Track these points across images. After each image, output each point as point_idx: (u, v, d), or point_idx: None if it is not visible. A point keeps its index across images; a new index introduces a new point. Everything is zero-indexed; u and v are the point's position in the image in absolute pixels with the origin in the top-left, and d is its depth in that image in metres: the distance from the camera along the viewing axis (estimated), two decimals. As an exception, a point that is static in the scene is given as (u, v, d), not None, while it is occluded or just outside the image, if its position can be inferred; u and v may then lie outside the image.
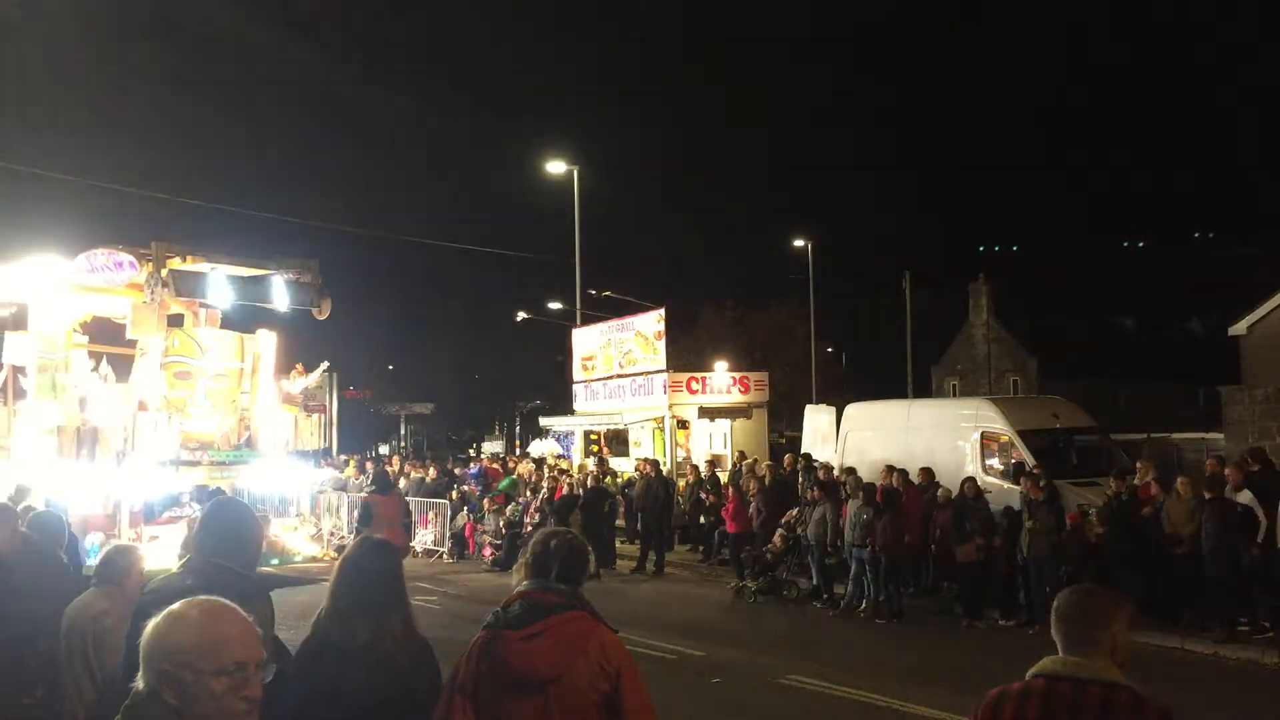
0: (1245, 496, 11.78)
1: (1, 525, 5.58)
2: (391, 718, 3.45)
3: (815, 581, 15.35)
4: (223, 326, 17.60)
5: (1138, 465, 14.43)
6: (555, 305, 40.83)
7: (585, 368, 27.16)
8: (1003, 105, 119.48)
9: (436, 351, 62.71)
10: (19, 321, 17.66)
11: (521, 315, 47.29)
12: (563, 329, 31.70)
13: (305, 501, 18.32)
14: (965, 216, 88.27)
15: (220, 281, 16.03)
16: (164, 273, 15.59)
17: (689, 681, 10.27)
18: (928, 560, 15.18)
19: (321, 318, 16.99)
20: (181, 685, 2.32)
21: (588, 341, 27.40)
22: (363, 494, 17.60)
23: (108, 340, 18.12)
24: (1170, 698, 3.21)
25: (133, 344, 16.55)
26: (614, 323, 26.88)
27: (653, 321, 24.98)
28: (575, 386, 27.48)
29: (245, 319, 17.67)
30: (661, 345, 24.38)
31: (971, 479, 14.38)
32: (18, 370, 17.27)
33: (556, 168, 30.95)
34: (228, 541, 3.99)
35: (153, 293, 15.53)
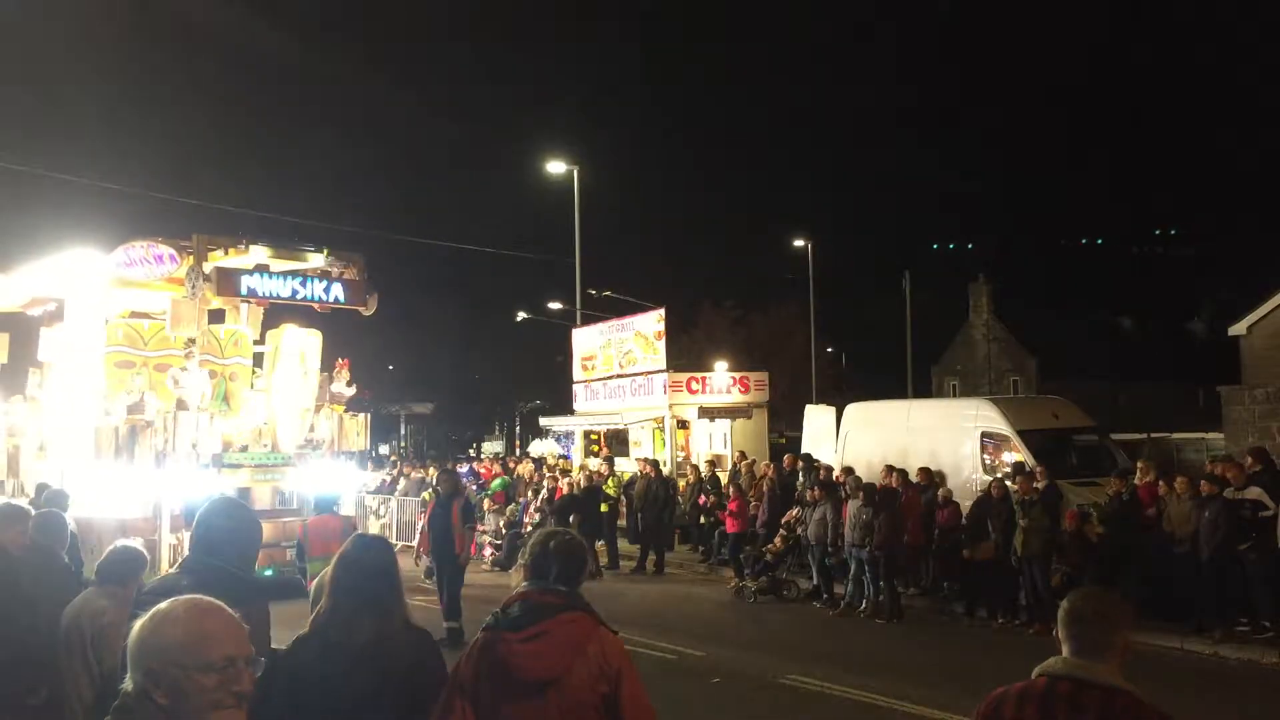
0: (1253, 492, 11.76)
1: (11, 526, 5.57)
2: (394, 715, 3.44)
3: (815, 581, 15.36)
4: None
5: (1139, 465, 14.41)
6: (555, 305, 40.81)
7: (585, 368, 27.17)
8: (1003, 104, 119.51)
9: (436, 351, 62.69)
10: (54, 319, 17.35)
11: (521, 315, 47.29)
12: (563, 329, 31.70)
13: (351, 505, 17.27)
14: (965, 216, 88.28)
15: (263, 276, 15.48)
16: (205, 267, 15.05)
17: (689, 681, 10.27)
18: (927, 560, 15.18)
19: (368, 314, 16.45)
20: (171, 683, 2.32)
21: (588, 341, 27.40)
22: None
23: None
24: (1170, 698, 3.21)
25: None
26: (614, 323, 26.89)
27: (653, 321, 24.99)
28: (575, 386, 27.48)
29: (287, 313, 17.01)
30: (661, 345, 24.38)
31: (1000, 480, 14.35)
32: (52, 366, 16.91)
33: (556, 168, 30.96)
34: (223, 541, 3.99)
35: (194, 287, 14.95)
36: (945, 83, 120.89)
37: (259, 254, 15.53)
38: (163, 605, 2.44)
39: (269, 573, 14.26)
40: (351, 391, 17.40)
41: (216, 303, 16.02)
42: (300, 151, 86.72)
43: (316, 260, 16.12)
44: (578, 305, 30.75)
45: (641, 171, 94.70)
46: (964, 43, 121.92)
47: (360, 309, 16.38)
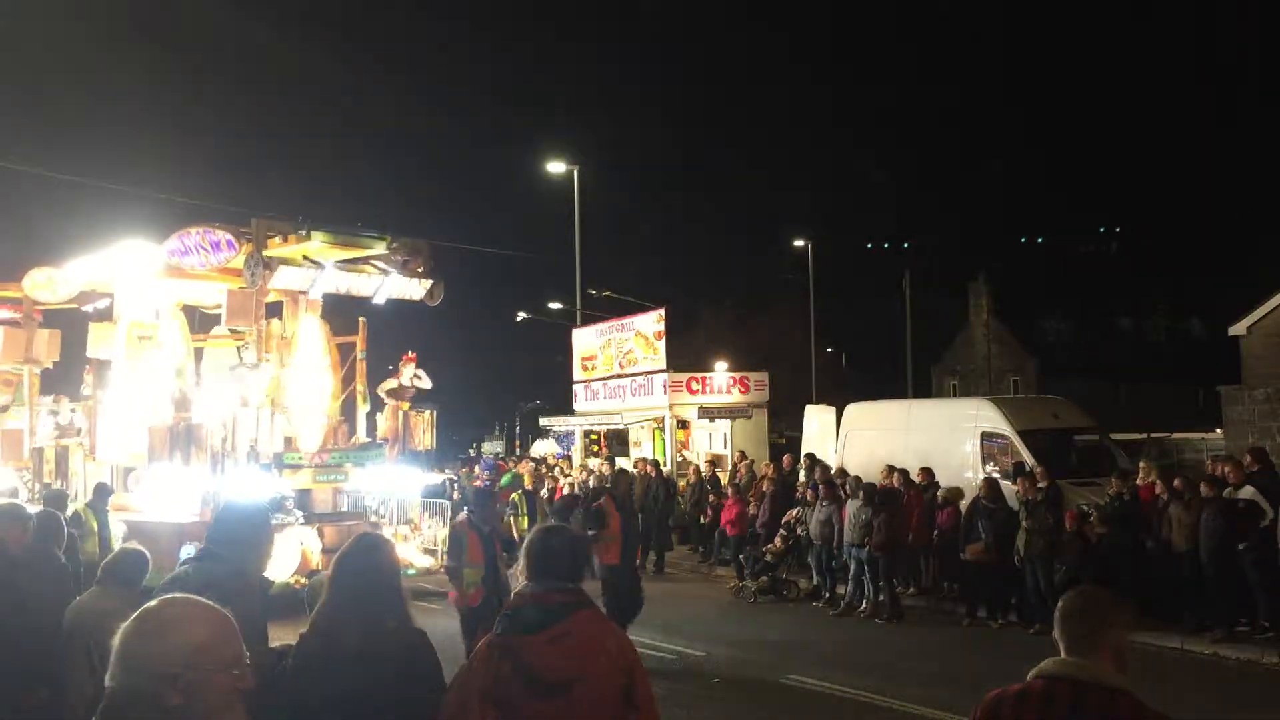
0: (1247, 492, 11.76)
1: (13, 526, 5.57)
2: (387, 716, 3.44)
3: (815, 581, 15.37)
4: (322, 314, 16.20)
5: (1141, 465, 14.40)
6: (555, 305, 40.82)
7: (585, 368, 27.17)
8: (1003, 104, 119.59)
9: (437, 351, 62.59)
10: (104, 316, 17.02)
11: (521, 315, 47.29)
12: (563, 329, 31.70)
13: (415, 508, 16.44)
14: (965, 216, 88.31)
15: (325, 268, 14.61)
16: (265, 254, 14.13)
17: (689, 681, 10.27)
18: (928, 560, 15.18)
19: (433, 304, 15.69)
20: (189, 684, 2.33)
21: (588, 341, 27.40)
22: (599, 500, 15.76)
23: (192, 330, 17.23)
24: (1170, 698, 3.22)
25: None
26: (614, 323, 26.89)
27: (653, 321, 24.99)
28: (575, 386, 27.48)
29: (343, 306, 16.30)
30: (661, 345, 24.39)
31: (991, 479, 14.30)
32: (102, 365, 16.55)
33: (557, 167, 30.95)
34: (232, 540, 4.01)
35: (253, 275, 14.01)
36: (946, 82, 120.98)
37: (319, 241, 14.71)
38: (167, 609, 2.44)
39: None
40: (426, 385, 16.51)
41: (273, 294, 15.23)
42: (298, 150, 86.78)
43: (379, 248, 15.31)
44: (578, 305, 30.73)
45: (641, 171, 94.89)
46: (964, 42, 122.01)
47: (425, 298, 15.65)
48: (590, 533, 11.20)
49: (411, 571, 14.99)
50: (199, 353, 16.84)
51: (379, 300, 15.34)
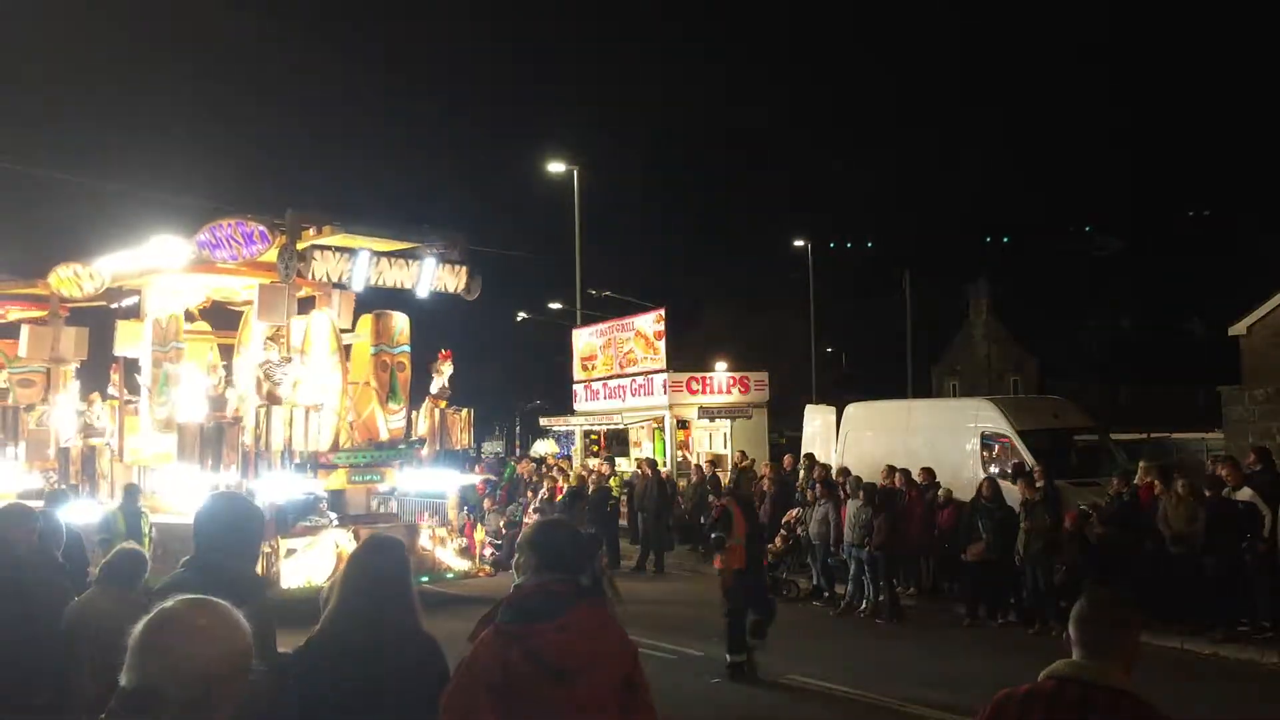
0: (1245, 494, 11.79)
1: (20, 527, 5.57)
2: (396, 718, 3.45)
3: (815, 581, 15.37)
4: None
5: (1140, 465, 14.41)
6: (555, 305, 40.85)
7: (585, 368, 27.19)
8: (1001, 104, 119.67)
9: (435, 351, 62.61)
10: (130, 314, 16.83)
11: (521, 315, 47.31)
12: (563, 329, 31.72)
13: (452, 509, 16.06)
14: (965, 216, 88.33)
15: (361, 258, 14.06)
16: (300, 247, 13.68)
17: (689, 681, 10.28)
18: (928, 560, 15.18)
19: (470, 299, 15.33)
20: (228, 689, 2.35)
21: (588, 341, 27.42)
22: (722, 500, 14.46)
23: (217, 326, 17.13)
24: (1170, 698, 3.22)
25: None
26: (614, 323, 26.90)
27: (653, 321, 25.00)
28: (575, 386, 27.50)
29: (377, 301, 15.89)
30: (661, 345, 24.40)
31: (991, 479, 14.28)
32: (130, 363, 16.32)
33: (556, 168, 30.96)
34: (227, 537, 3.99)
35: (287, 269, 13.56)
36: (946, 82, 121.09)
37: (358, 236, 14.40)
38: (206, 612, 2.42)
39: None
40: (445, 388, 16.23)
41: (305, 289, 14.91)
42: (298, 150, 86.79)
43: (414, 240, 15.00)
44: (578, 305, 30.75)
45: (642, 172, 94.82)
46: (964, 42, 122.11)
47: (463, 293, 15.31)
48: (714, 536, 10.94)
49: (450, 575, 14.71)
50: (227, 349, 16.58)
51: (422, 293, 14.87)
